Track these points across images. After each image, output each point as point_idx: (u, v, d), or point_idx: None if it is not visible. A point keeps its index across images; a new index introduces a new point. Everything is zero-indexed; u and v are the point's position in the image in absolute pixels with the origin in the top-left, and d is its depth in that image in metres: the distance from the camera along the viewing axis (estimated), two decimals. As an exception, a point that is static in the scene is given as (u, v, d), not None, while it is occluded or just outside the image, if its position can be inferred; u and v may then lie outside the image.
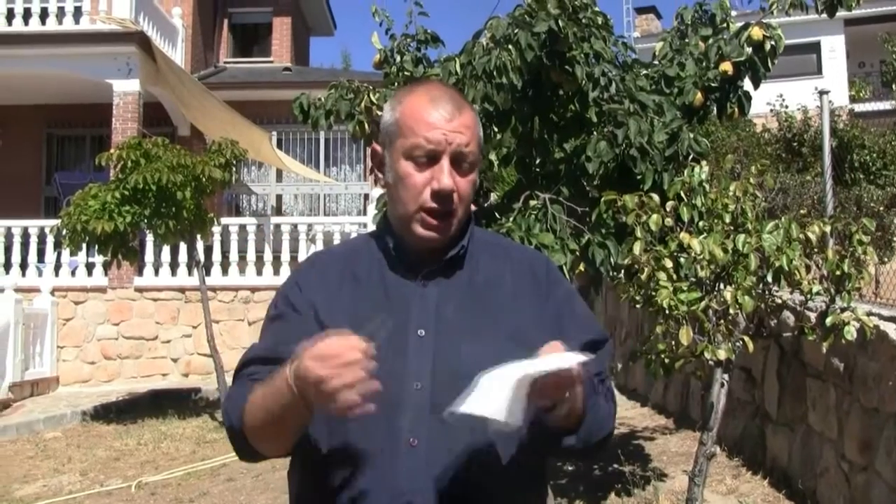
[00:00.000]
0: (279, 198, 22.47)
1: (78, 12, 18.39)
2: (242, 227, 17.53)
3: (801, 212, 8.17)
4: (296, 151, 21.72)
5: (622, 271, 5.63)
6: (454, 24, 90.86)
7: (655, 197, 5.07)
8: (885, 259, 9.08)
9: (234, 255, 17.15)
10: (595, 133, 6.17)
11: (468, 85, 5.93)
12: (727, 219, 5.00)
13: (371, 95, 6.71)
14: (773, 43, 6.62)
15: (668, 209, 5.05)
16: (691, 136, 6.12)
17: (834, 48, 33.46)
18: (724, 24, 6.84)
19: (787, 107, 23.32)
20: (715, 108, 6.85)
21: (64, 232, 12.11)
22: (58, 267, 17.11)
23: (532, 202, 6.03)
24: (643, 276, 4.87)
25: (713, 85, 6.61)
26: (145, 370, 16.85)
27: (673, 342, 4.78)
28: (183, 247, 15.98)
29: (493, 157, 7.02)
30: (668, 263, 4.82)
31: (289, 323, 2.16)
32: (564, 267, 5.50)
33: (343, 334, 1.81)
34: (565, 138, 6.61)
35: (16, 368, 14.57)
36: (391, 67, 6.96)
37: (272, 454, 2.15)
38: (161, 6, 20.68)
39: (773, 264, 4.72)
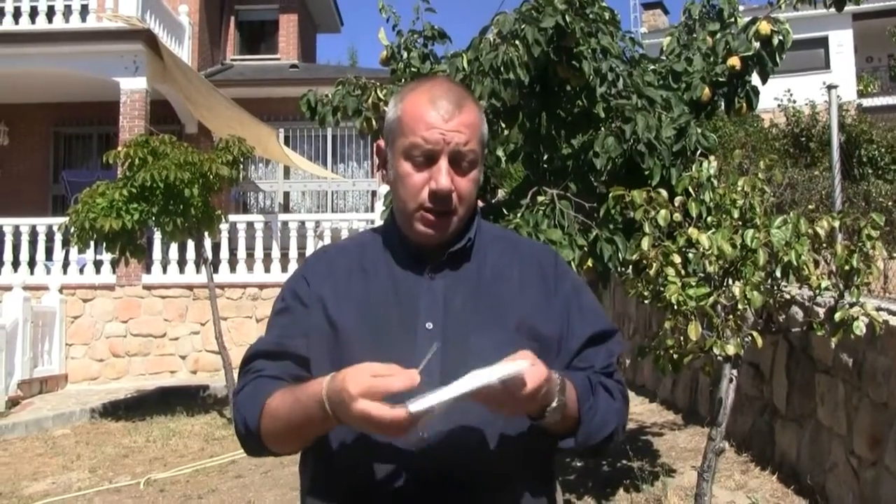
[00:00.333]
0: (287, 195, 22.48)
1: (84, 10, 18.43)
2: (250, 225, 17.57)
3: (810, 207, 8.15)
4: (303, 148, 21.72)
5: (630, 267, 5.62)
6: (461, 20, 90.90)
7: (664, 192, 5.06)
8: (894, 254, 9.06)
9: (241, 253, 17.18)
10: (603, 128, 6.15)
11: (475, 81, 5.92)
12: (735, 214, 4.99)
13: (378, 92, 6.70)
14: (781, 38, 6.60)
15: (676, 204, 5.04)
16: (699, 131, 6.11)
17: (842, 43, 33.36)
18: (732, 19, 6.83)
19: (794, 102, 23.32)
20: (723, 103, 6.83)
21: (72, 230, 12.12)
22: (66, 265, 17.15)
23: (540, 198, 6.01)
24: (651, 272, 4.86)
25: (721, 80, 6.59)
26: (154, 367, 16.88)
27: (681, 338, 4.77)
28: (191, 244, 16.03)
29: (500, 153, 7.01)
30: (677, 259, 4.80)
31: (295, 316, 2.17)
32: (572, 263, 5.48)
33: (389, 367, 1.81)
34: (573, 134, 6.60)
35: (24, 366, 14.61)
36: (398, 64, 6.95)
37: (285, 454, 2.17)
38: (167, 4, 20.68)
39: (781, 259, 4.71)
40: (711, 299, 4.71)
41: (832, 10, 6.66)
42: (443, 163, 2.06)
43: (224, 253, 17.17)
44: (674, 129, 6.00)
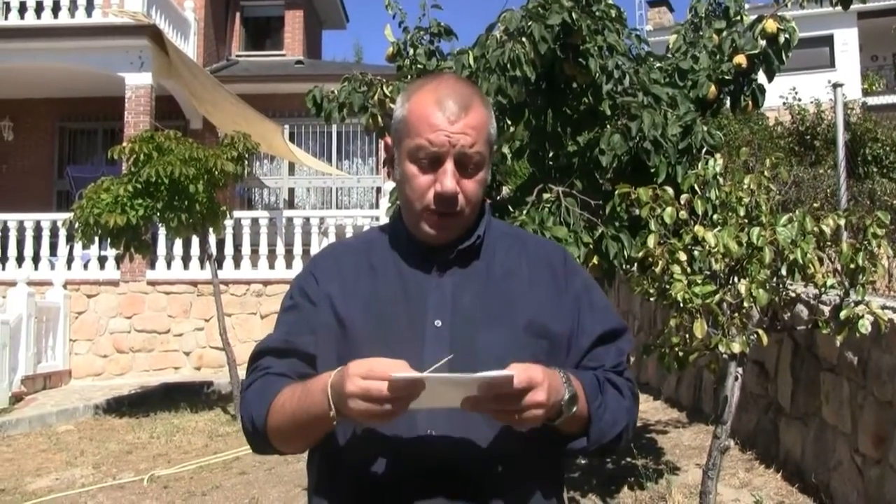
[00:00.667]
0: (291, 191, 22.51)
1: (90, 5, 18.44)
2: (255, 221, 17.58)
3: (815, 205, 8.15)
4: (308, 144, 21.74)
5: (635, 264, 5.62)
6: (467, 17, 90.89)
7: (669, 190, 5.05)
8: (899, 253, 9.04)
9: (246, 249, 17.19)
10: (608, 126, 6.15)
11: (481, 78, 5.92)
12: (741, 212, 4.98)
13: (384, 88, 6.71)
14: (787, 36, 6.60)
15: (682, 202, 5.04)
16: (705, 129, 6.11)
17: (847, 41, 33.35)
18: (738, 17, 6.83)
19: (799, 100, 23.30)
20: (728, 101, 6.83)
21: (76, 225, 12.12)
22: (70, 260, 17.19)
23: (545, 195, 6.02)
24: (657, 270, 4.86)
25: (727, 78, 6.60)
26: (157, 363, 16.89)
27: (687, 335, 4.76)
28: (195, 240, 16.04)
29: (505, 150, 7.01)
30: (683, 256, 4.80)
31: (303, 314, 2.18)
32: (578, 260, 5.48)
33: (391, 361, 1.82)
34: (579, 131, 6.60)
35: (28, 362, 14.63)
36: (404, 60, 6.95)
37: (290, 453, 2.19)
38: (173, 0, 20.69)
39: (787, 257, 4.70)
40: (717, 297, 4.70)
41: (838, 8, 6.66)
42: (448, 165, 2.06)
43: (228, 249, 17.20)
44: (680, 126, 6.00)
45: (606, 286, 6.28)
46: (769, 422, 7.47)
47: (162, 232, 15.88)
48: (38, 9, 18.38)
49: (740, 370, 5.04)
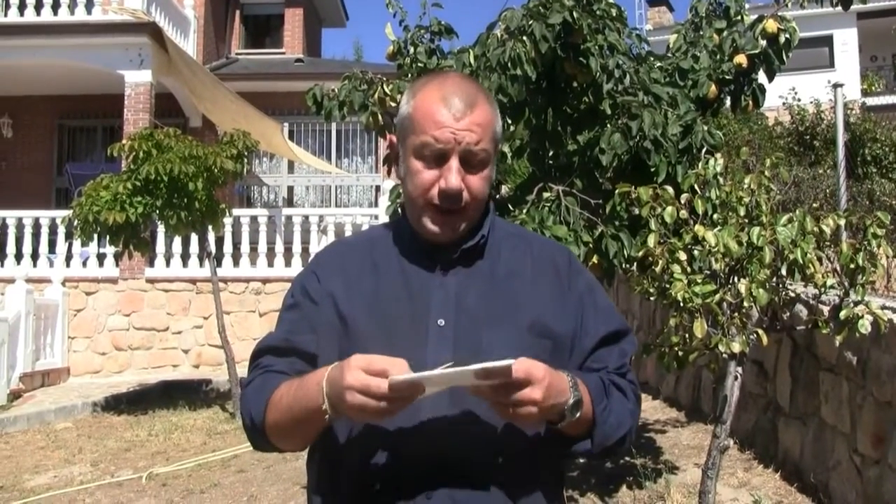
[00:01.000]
0: (290, 189, 22.50)
1: (90, 3, 18.46)
2: (254, 219, 17.58)
3: (815, 205, 8.15)
4: (307, 143, 21.74)
5: (635, 264, 5.62)
6: (468, 16, 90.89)
7: (670, 189, 5.06)
8: (898, 253, 9.04)
9: (245, 247, 17.19)
10: (609, 125, 6.15)
11: (482, 76, 5.92)
12: (741, 211, 4.98)
13: (385, 87, 6.70)
14: (787, 35, 6.61)
15: (682, 202, 5.04)
16: (705, 128, 6.11)
17: (846, 41, 33.34)
18: (739, 17, 6.83)
19: (799, 100, 23.32)
20: (729, 101, 6.83)
21: (75, 222, 12.13)
22: (69, 258, 17.18)
23: (545, 194, 6.02)
24: (657, 269, 4.86)
25: (727, 77, 6.60)
26: (156, 361, 16.90)
27: (686, 335, 4.77)
28: (194, 238, 16.06)
29: (505, 149, 7.01)
30: (683, 256, 4.80)
31: (304, 312, 2.17)
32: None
33: (391, 359, 1.82)
34: (579, 130, 6.60)
35: (27, 359, 14.62)
36: (405, 59, 6.95)
37: (289, 450, 2.18)
38: (173, -3, 20.70)
39: (787, 257, 4.71)
40: (717, 297, 4.70)
41: (838, 8, 6.66)
42: (453, 162, 2.05)
43: (228, 247, 17.21)
44: (680, 126, 6.00)
45: (606, 285, 6.28)
46: (768, 421, 7.47)
47: (161, 229, 15.86)
48: (39, 5, 18.36)
49: (740, 370, 5.05)
